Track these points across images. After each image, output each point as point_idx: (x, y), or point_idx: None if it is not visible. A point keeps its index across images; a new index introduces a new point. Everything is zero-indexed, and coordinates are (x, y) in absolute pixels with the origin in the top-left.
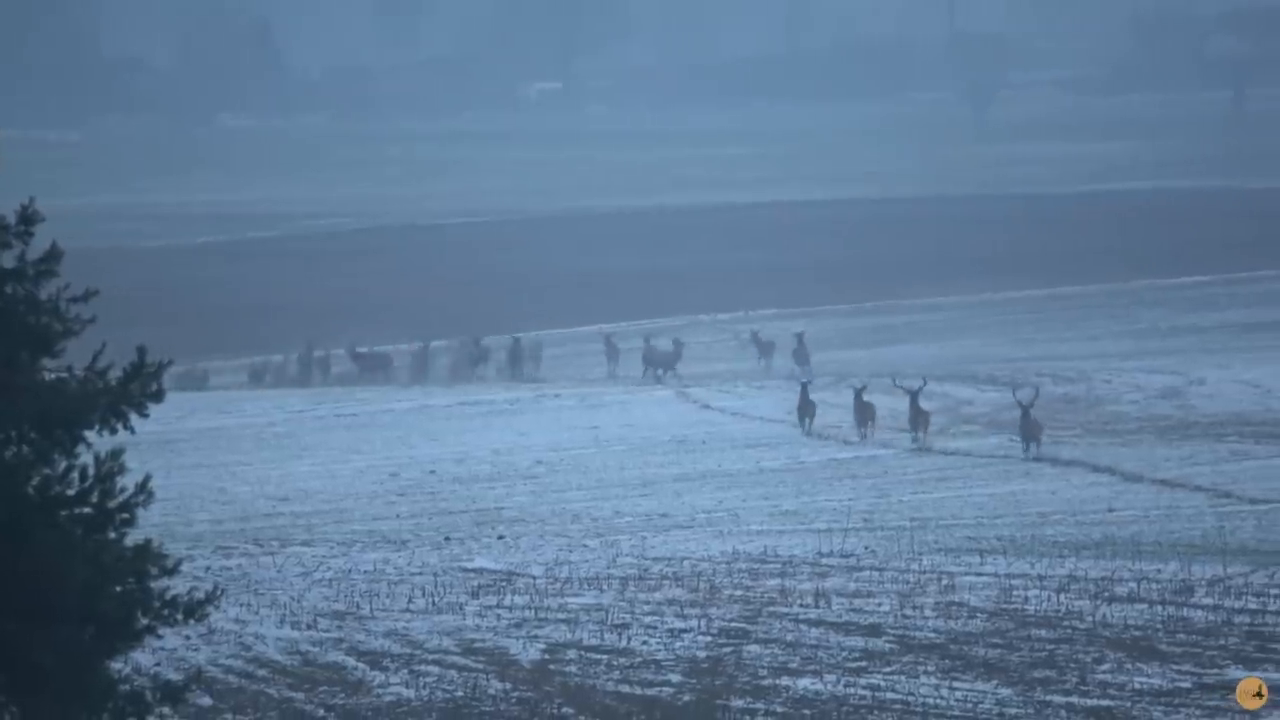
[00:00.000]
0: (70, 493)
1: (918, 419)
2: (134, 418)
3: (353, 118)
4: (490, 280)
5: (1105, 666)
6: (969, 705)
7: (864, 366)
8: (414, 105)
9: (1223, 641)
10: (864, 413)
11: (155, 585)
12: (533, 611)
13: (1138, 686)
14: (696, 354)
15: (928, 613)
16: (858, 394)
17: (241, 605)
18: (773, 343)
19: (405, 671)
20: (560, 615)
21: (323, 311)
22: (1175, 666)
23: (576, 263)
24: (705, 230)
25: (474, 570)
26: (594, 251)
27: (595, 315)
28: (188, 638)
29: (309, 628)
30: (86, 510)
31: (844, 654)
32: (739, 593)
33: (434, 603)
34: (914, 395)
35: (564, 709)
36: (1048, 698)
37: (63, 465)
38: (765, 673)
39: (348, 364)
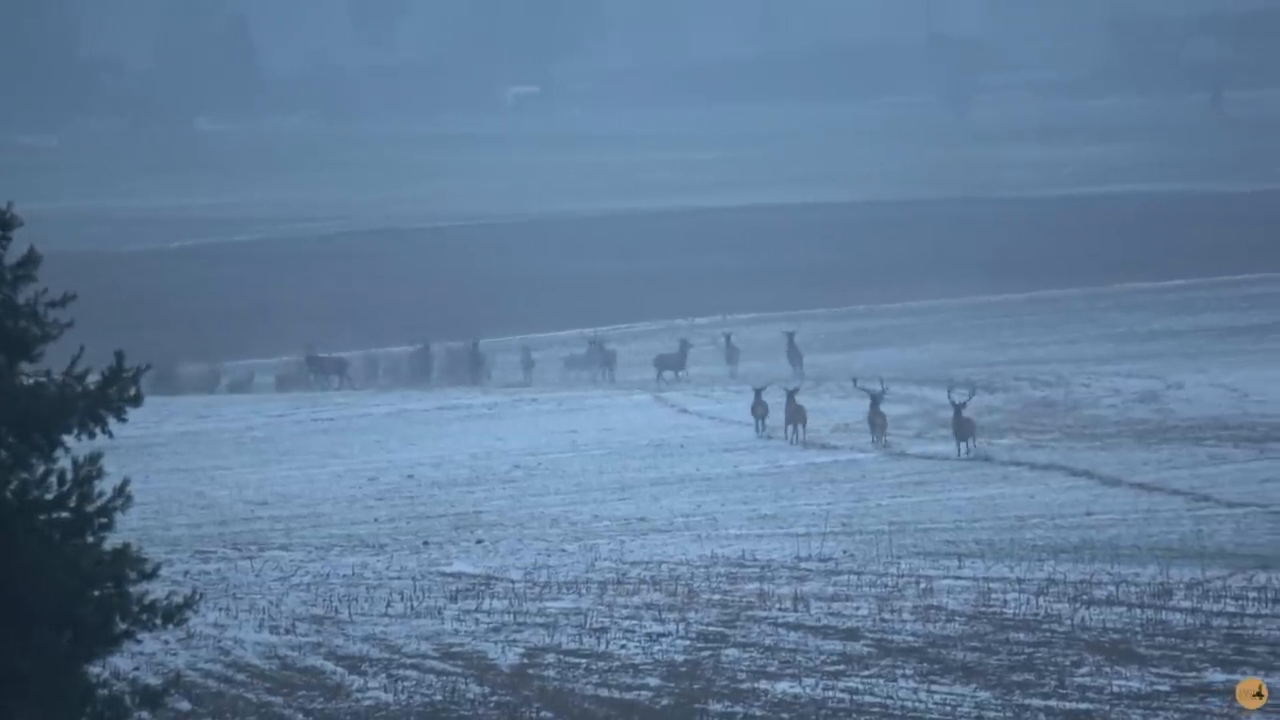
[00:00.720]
0: (48, 497)
1: (876, 421)
2: (112, 422)
3: (329, 120)
4: (466, 284)
5: (1084, 669)
6: (947, 708)
7: (842, 370)
8: (391, 108)
9: (1201, 644)
10: (795, 415)
11: (134, 589)
12: (511, 616)
13: (1116, 689)
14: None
15: (906, 616)
16: (790, 395)
17: (220, 610)
18: (738, 348)
19: (384, 676)
20: (539, 619)
21: (298, 315)
22: (1154, 669)
23: (552, 267)
24: (682, 234)
25: (452, 574)
26: (570, 255)
27: (571, 320)
28: (166, 642)
29: (287, 632)
30: (65, 514)
31: (822, 658)
32: (717, 597)
33: (412, 607)
34: (875, 398)
35: (543, 713)
36: (1026, 701)
37: (41, 469)
38: (744, 676)
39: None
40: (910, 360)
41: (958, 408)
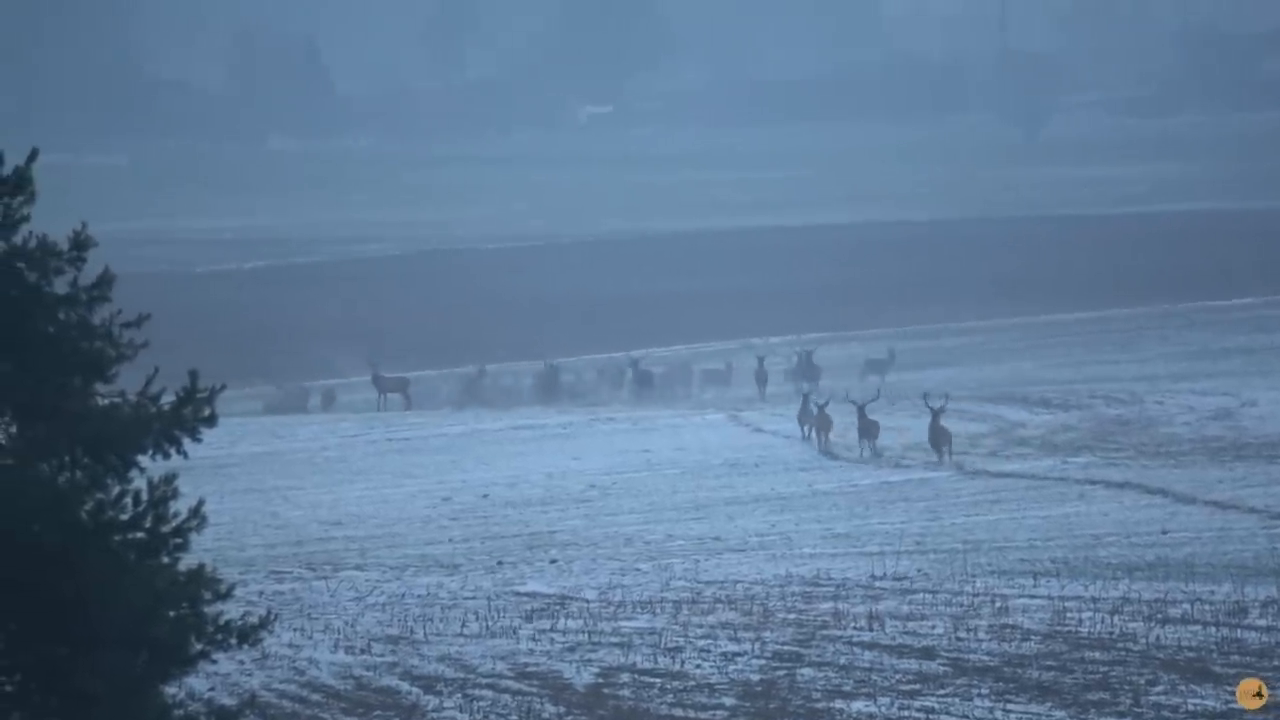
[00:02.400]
0: (123, 518)
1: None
2: (186, 442)
3: (400, 140)
4: (534, 305)
5: (1159, 688)
6: None
7: (914, 388)
8: (462, 128)
9: (1277, 663)
10: (823, 424)
11: (209, 610)
12: (586, 635)
13: (1192, 708)
14: (746, 378)
15: (981, 635)
16: (820, 408)
17: (295, 630)
18: (819, 366)
19: (459, 696)
20: (614, 639)
21: (368, 335)
22: (1229, 688)
23: (623, 287)
24: (753, 253)
25: (527, 594)
26: (640, 275)
27: (643, 339)
28: (242, 662)
29: (363, 652)
30: (140, 535)
31: (898, 677)
32: (792, 616)
33: (487, 627)
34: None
35: None
36: None
37: (116, 490)
38: (819, 696)
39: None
40: (984, 378)
41: (935, 413)
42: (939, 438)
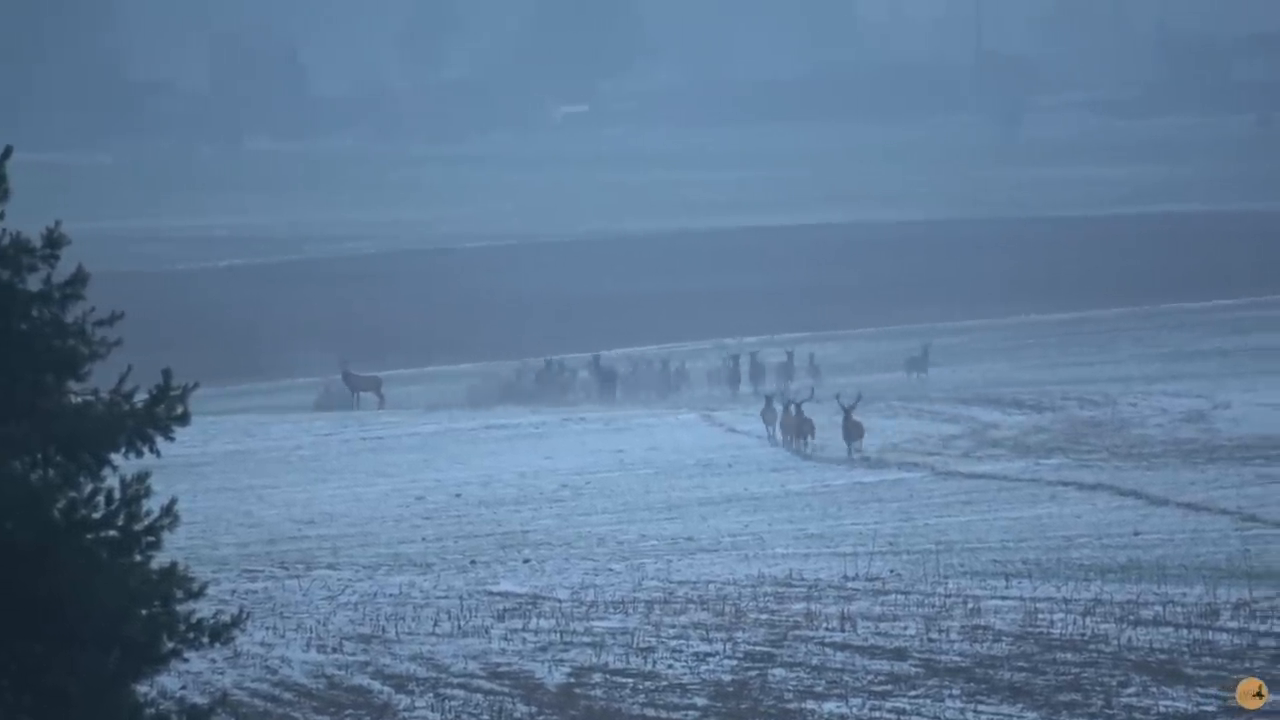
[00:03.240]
0: (96, 516)
1: (849, 431)
2: (160, 441)
3: (378, 140)
4: (515, 304)
5: (1131, 690)
6: None
7: (889, 390)
8: (439, 128)
9: (1249, 665)
10: (803, 427)
11: (181, 608)
12: (558, 635)
13: (1163, 710)
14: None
15: (953, 636)
16: (792, 406)
17: (267, 628)
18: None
19: (431, 695)
20: (586, 639)
21: (347, 335)
22: (1201, 690)
23: (599, 286)
24: (731, 253)
25: (499, 593)
26: (617, 275)
27: (617, 339)
28: (214, 661)
29: (334, 651)
30: (113, 533)
31: (869, 678)
32: (764, 616)
33: (459, 626)
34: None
35: None
36: None
37: (89, 488)
38: (791, 696)
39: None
40: (959, 379)
41: (846, 410)
42: (851, 432)
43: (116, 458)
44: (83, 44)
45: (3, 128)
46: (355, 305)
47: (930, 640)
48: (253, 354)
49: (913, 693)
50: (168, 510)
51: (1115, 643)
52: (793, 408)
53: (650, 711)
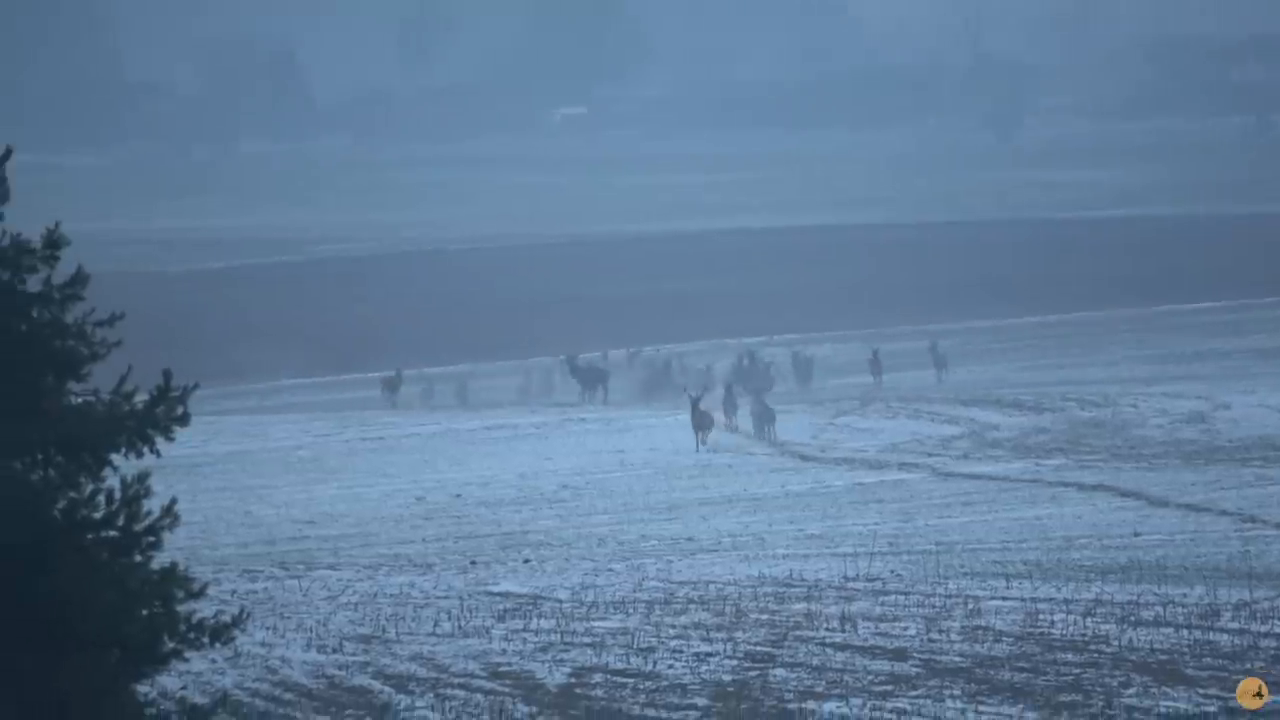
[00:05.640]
0: (96, 516)
1: (697, 423)
2: (160, 442)
3: (375, 142)
4: (511, 305)
5: (1131, 690)
6: None
7: (889, 390)
8: (435, 130)
9: (1249, 665)
10: (701, 421)
11: (181, 609)
12: (559, 635)
13: (1164, 711)
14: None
15: (954, 636)
16: (695, 403)
17: (268, 629)
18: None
19: (431, 695)
20: (586, 639)
21: (341, 337)
22: (1201, 690)
23: (597, 288)
24: (727, 255)
25: (500, 594)
26: (615, 276)
27: (615, 339)
28: (214, 661)
29: (335, 651)
30: (112, 534)
31: (870, 678)
32: (765, 616)
33: (460, 626)
34: (694, 401)
35: None
36: None
37: (89, 489)
38: (791, 696)
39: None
40: (957, 381)
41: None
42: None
43: (117, 458)
44: (79, 45)
45: None
46: (351, 307)
47: (931, 641)
48: (243, 355)
49: (913, 693)
50: (168, 510)
51: (1116, 643)
52: (700, 402)
53: (650, 711)
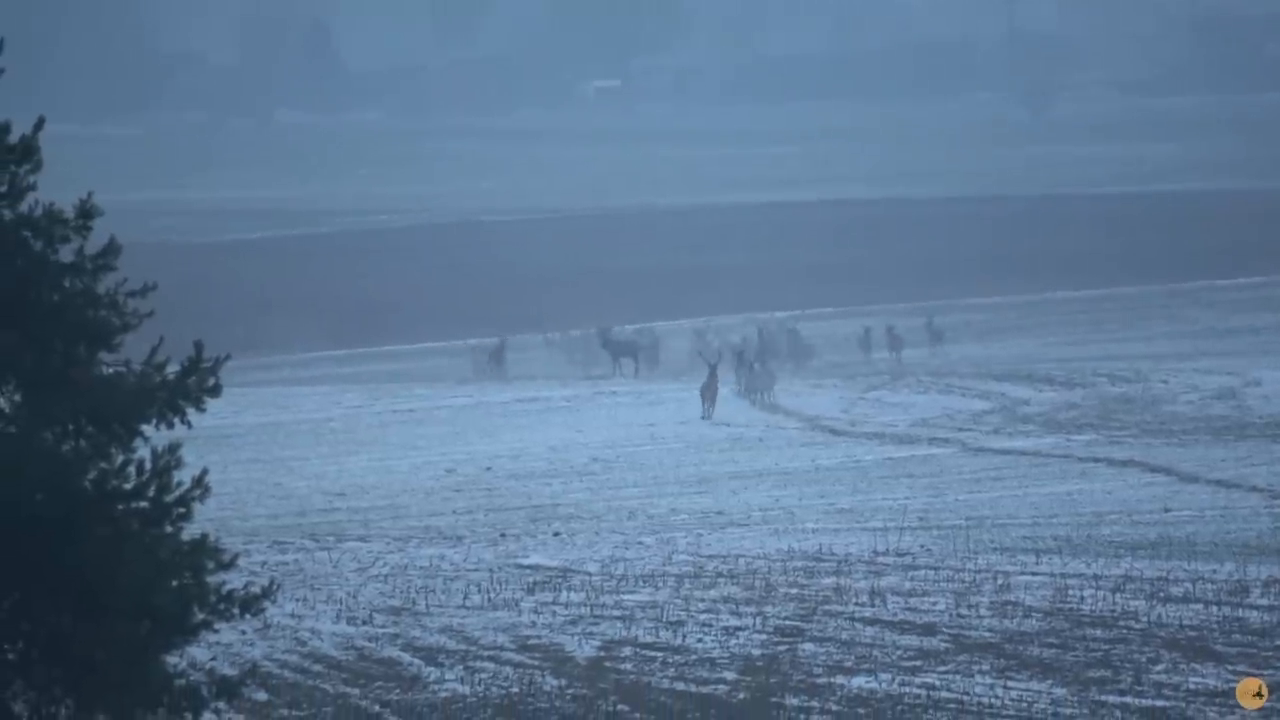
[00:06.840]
0: (127, 487)
1: (707, 392)
2: (191, 412)
3: (409, 115)
4: (544, 277)
5: (1160, 667)
6: (1024, 705)
7: (920, 365)
8: (470, 103)
9: (1278, 642)
10: (710, 389)
11: (211, 580)
12: (588, 608)
13: (1193, 687)
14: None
15: (983, 612)
16: (712, 369)
17: (298, 600)
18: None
19: (460, 667)
20: (615, 612)
21: (375, 308)
22: (1230, 667)
23: (630, 260)
24: (759, 228)
25: (529, 566)
26: (648, 249)
27: (649, 313)
28: (244, 632)
29: (365, 623)
30: (143, 504)
31: (899, 653)
32: (794, 591)
33: (489, 599)
34: (712, 369)
35: (619, 706)
36: (1103, 698)
37: (120, 459)
38: (820, 671)
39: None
40: (989, 356)
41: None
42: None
43: (148, 429)
44: (112, 15)
45: (31, 99)
46: (384, 279)
47: (960, 616)
48: (275, 326)
49: (942, 668)
50: (198, 481)
51: (1145, 619)
52: (718, 369)
53: (680, 685)
